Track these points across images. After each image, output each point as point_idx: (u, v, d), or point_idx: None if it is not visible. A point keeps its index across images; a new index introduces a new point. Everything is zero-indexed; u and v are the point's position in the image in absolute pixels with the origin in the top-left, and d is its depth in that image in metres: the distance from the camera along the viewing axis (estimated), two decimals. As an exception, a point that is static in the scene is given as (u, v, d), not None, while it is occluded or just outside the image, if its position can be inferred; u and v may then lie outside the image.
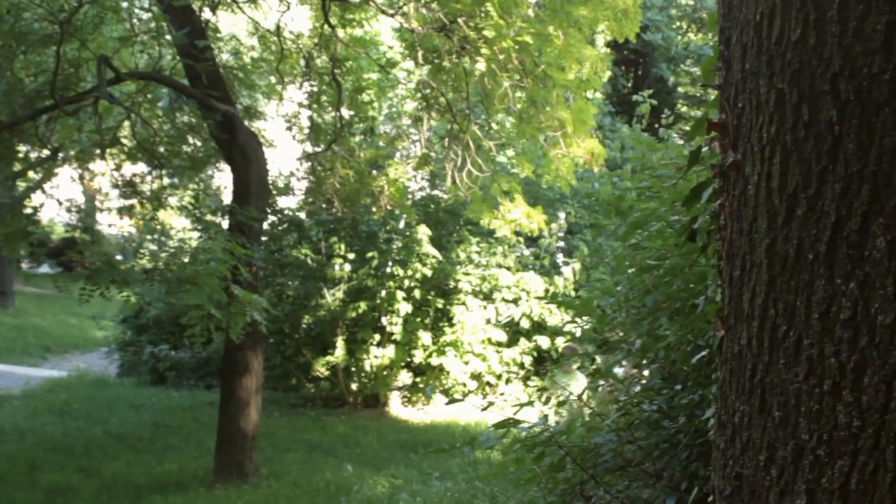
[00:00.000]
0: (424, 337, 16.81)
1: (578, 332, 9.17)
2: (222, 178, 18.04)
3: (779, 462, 2.12)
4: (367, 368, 16.86)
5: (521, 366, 17.07)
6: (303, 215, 17.90)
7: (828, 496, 2.02)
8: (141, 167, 14.94)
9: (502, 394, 16.84)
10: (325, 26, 12.85)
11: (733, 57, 2.30)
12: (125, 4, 12.74)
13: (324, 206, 16.27)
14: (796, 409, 2.08)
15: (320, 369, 17.27)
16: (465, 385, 16.91)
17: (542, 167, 13.23)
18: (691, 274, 4.12)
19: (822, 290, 2.03)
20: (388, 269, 16.57)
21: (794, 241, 2.08)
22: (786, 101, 2.10)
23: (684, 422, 3.94)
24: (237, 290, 9.99)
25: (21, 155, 13.72)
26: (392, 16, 12.54)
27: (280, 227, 17.79)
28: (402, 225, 16.99)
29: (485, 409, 11.02)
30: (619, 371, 5.75)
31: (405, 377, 17.31)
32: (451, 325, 16.95)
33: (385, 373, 16.92)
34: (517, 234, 14.73)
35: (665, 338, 4.35)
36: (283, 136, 16.24)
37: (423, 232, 16.37)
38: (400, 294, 16.45)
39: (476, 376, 16.92)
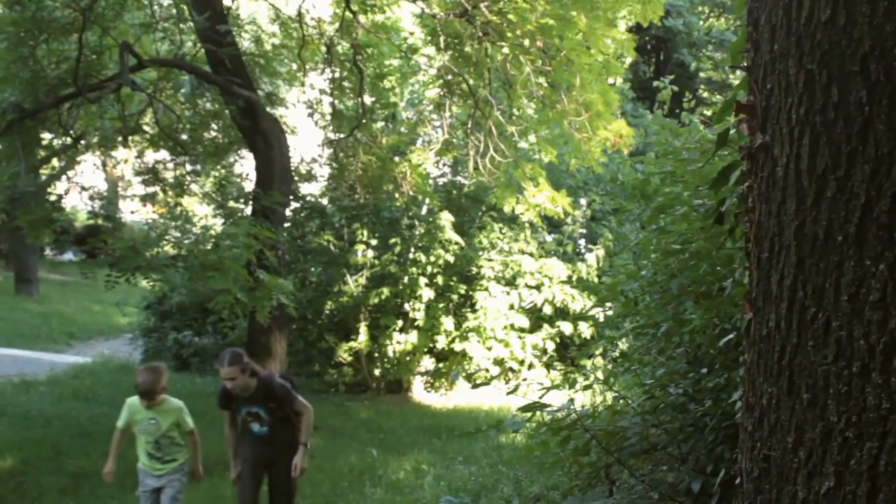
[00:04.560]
0: (447, 322, 16.82)
1: (602, 318, 9.16)
2: (245, 165, 18.09)
3: (807, 444, 2.12)
4: (390, 354, 16.88)
5: (544, 351, 17.06)
6: (325, 202, 17.91)
7: (856, 478, 2.02)
8: (163, 154, 14.99)
9: (525, 379, 16.80)
10: (347, 12, 12.84)
11: (762, 38, 2.29)
12: (146, -10, 12.78)
13: (346, 192, 16.30)
14: (825, 391, 2.08)
15: (343, 355, 17.31)
16: (487, 371, 16.93)
17: (568, 152, 13.20)
18: (717, 257, 4.12)
19: (852, 272, 2.02)
20: (411, 256, 16.56)
21: (823, 222, 2.08)
22: (815, 83, 2.09)
23: (710, 405, 3.94)
24: (262, 274, 10.03)
25: (44, 142, 13.80)
26: (413, 1, 12.53)
27: (302, 214, 17.81)
28: (424, 211, 16.99)
29: (511, 392, 11.06)
30: None
31: (428, 363, 17.33)
32: (474, 311, 16.96)
33: (408, 358, 16.94)
34: (542, 218, 14.73)
35: (690, 321, 4.35)
36: (304, 122, 16.26)
37: (446, 218, 16.36)
38: (423, 280, 16.46)
39: (499, 362, 16.92)
